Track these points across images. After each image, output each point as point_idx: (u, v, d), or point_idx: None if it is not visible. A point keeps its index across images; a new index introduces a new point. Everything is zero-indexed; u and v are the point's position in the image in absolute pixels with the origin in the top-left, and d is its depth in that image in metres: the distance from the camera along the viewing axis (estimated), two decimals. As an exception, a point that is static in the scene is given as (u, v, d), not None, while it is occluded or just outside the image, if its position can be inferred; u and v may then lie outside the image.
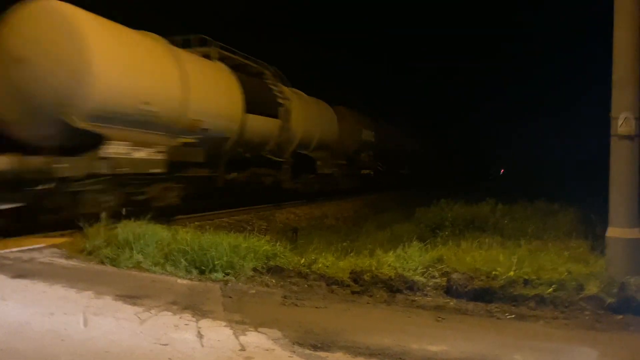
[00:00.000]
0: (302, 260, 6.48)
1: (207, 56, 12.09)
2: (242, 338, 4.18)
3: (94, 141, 8.33)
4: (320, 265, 6.36)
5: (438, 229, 10.80)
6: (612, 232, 5.89)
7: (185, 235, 6.83)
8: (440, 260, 6.42)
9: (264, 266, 6.40)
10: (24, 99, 8.08)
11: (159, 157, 9.60)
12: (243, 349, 3.98)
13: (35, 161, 7.82)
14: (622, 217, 5.83)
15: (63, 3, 8.37)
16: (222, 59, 12.59)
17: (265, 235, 7.49)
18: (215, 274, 6.09)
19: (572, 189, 19.12)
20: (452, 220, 10.98)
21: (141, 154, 9.20)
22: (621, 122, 5.79)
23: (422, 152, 29.39)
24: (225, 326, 4.44)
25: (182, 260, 6.32)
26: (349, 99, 21.70)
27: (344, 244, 9.05)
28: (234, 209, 12.96)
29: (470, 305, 5.59)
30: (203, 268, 6.21)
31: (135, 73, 9.16)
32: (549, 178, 30.57)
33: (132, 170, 9.01)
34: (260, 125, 13.17)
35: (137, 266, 6.29)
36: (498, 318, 5.27)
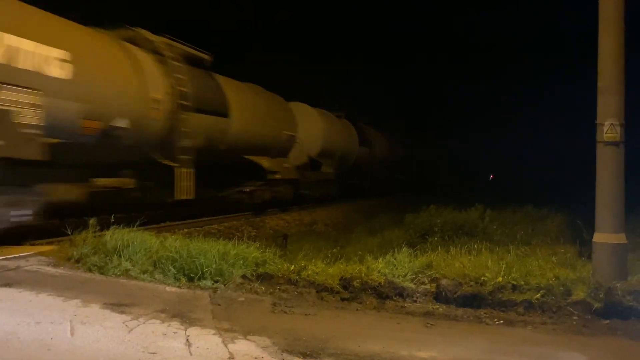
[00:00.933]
0: (292, 267, 6.46)
1: (339, 116, 22.29)
2: (230, 346, 4.17)
3: (318, 165, 19.43)
4: (309, 272, 6.35)
5: (427, 234, 10.85)
6: (598, 237, 5.95)
7: (174, 243, 6.79)
8: (429, 266, 6.44)
9: (253, 273, 6.37)
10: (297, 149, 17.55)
11: (332, 170, 20.45)
12: (232, 357, 3.97)
13: (308, 173, 18.50)
14: (608, 223, 5.89)
15: (305, 104, 19.51)
16: (346, 117, 22.96)
17: (254, 242, 7.48)
18: (204, 282, 6.06)
19: (561, 194, 19.27)
20: (442, 226, 11.03)
21: (329, 169, 20.19)
22: (607, 129, 5.87)
23: (422, 160, 33.37)
24: (214, 334, 4.42)
25: (170, 267, 6.28)
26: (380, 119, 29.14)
27: (334, 250, 9.05)
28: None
29: (460, 311, 5.62)
30: (192, 275, 6.18)
31: (332, 135, 20.32)
32: (539, 183, 30.79)
33: (327, 178, 20.11)
34: (363, 152, 23.64)
35: (125, 274, 6.23)
36: (487, 324, 5.30)
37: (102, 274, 6.24)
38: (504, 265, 6.10)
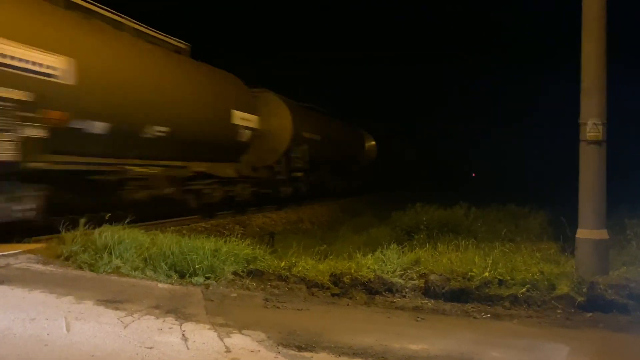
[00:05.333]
0: (282, 264, 6.54)
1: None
2: (226, 340, 4.23)
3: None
4: (300, 269, 6.44)
5: (413, 232, 10.99)
6: (581, 233, 6.13)
7: (165, 240, 6.82)
8: (417, 262, 6.58)
9: (244, 270, 6.44)
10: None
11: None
12: (228, 350, 4.03)
13: None
14: (591, 219, 6.07)
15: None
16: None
17: (242, 240, 7.53)
18: (195, 278, 6.10)
19: (543, 192, 19.60)
20: (427, 224, 11.18)
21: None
22: (589, 128, 6.05)
23: (404, 158, 33.71)
24: (209, 329, 4.48)
25: (162, 264, 6.31)
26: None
27: (322, 247, 9.14)
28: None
29: (448, 306, 5.75)
30: (183, 272, 6.22)
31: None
32: (521, 182, 31.22)
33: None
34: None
35: (116, 271, 6.24)
36: (475, 317, 5.43)
37: (92, 271, 6.24)
38: (490, 261, 6.25)
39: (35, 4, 8.25)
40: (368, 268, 6.40)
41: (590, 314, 5.42)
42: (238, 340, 4.23)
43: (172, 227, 10.86)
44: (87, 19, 9.35)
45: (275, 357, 3.95)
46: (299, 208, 17.12)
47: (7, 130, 7.04)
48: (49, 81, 7.76)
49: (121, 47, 9.69)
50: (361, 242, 10.30)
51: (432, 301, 5.86)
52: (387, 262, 6.55)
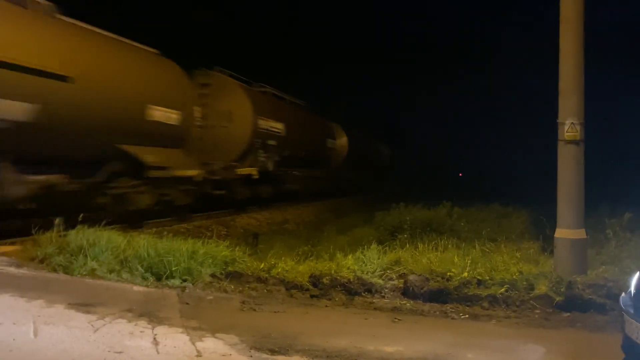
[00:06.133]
0: (262, 265, 6.47)
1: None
2: (198, 344, 4.15)
3: None
4: (279, 270, 6.37)
5: (397, 231, 10.96)
6: (559, 233, 6.13)
7: (142, 242, 6.71)
8: (397, 262, 6.53)
9: (223, 272, 6.36)
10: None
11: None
12: (199, 354, 3.96)
13: None
14: (569, 219, 6.07)
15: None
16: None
17: (224, 241, 7.44)
18: (172, 281, 6.02)
19: (528, 191, 19.68)
20: (411, 224, 11.15)
21: None
22: (567, 128, 6.05)
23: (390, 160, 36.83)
24: (181, 332, 4.40)
25: (138, 266, 6.21)
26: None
27: (305, 248, 9.07)
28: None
29: (426, 306, 5.71)
30: (160, 274, 6.12)
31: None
32: (506, 181, 31.36)
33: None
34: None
35: (91, 274, 6.13)
36: (453, 318, 5.41)
37: (67, 273, 6.13)
38: (469, 261, 6.23)
39: (271, 98, 18.28)
40: (348, 269, 6.34)
41: (568, 313, 5.41)
42: (210, 344, 4.16)
43: (153, 229, 10.77)
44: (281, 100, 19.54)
45: (246, 361, 3.88)
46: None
47: (272, 157, 16.45)
48: (279, 135, 17.21)
49: (291, 113, 19.36)
50: (345, 242, 10.26)
51: (411, 302, 5.82)
52: (367, 262, 6.50)
